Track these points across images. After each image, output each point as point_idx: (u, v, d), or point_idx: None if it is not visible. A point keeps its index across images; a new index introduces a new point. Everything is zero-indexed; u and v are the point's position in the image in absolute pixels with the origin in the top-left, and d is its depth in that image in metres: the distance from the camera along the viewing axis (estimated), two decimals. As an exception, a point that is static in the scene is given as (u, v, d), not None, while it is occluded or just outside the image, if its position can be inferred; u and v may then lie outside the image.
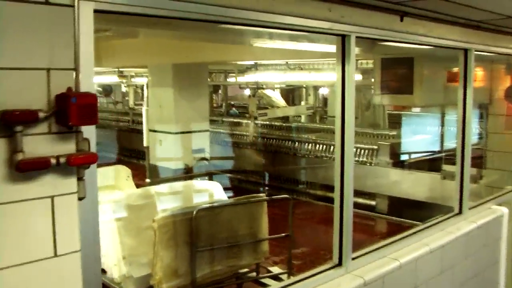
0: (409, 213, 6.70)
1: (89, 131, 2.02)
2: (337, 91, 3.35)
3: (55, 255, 1.92)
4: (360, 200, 8.16)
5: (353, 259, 3.49)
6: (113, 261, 4.60)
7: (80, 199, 2.00)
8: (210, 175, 8.78)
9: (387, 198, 8.02)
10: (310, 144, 9.49)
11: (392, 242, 3.88)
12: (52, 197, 1.89)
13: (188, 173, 8.72)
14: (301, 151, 9.63)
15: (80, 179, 1.98)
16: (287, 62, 9.24)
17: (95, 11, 2.05)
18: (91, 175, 2.08)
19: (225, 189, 6.56)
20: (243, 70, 11.04)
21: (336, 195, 3.43)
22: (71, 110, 1.79)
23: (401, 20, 3.49)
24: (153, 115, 9.24)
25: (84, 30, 1.97)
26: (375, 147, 8.31)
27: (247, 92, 13.04)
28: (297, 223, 7.04)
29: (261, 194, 5.15)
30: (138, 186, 6.60)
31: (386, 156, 8.17)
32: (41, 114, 1.79)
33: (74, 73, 1.91)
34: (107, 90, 16.55)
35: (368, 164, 8.34)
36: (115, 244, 4.59)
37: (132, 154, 12.61)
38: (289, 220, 4.75)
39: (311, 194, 9.06)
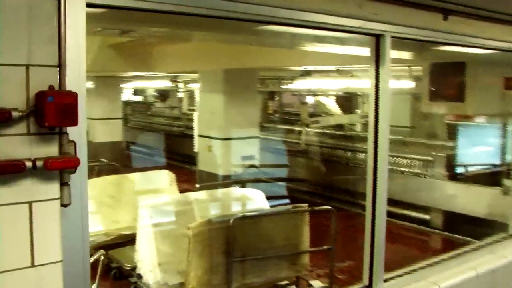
0: (466, 230, 6.32)
1: (77, 133, 1.88)
2: (370, 97, 3.07)
3: (32, 265, 1.78)
4: (413, 214, 7.88)
5: (385, 280, 3.19)
6: (148, 267, 4.54)
7: (64, 205, 1.85)
8: (243, 183, 8.59)
9: (442, 213, 7.60)
10: (363, 154, 9.13)
11: (432, 264, 3.53)
12: (30, 203, 1.76)
13: (236, 180, 8.61)
14: (354, 160, 9.30)
15: (64, 184, 1.84)
16: (338, 69, 8.94)
17: (88, 5, 1.92)
18: (81, 181, 1.95)
19: (273, 197, 6.37)
20: (296, 76, 10.84)
21: (367, 210, 3.17)
22: (46, 109, 1.65)
23: (445, 18, 3.16)
24: (203, 120, 9.23)
25: (73, 25, 1.85)
26: (430, 158, 7.87)
27: (302, 99, 12.80)
28: (347, 235, 6.78)
29: (302, 204, 4.94)
30: (186, 191, 6.54)
31: (441, 168, 7.72)
32: (16, 114, 1.66)
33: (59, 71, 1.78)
34: (163, 95, 16.77)
35: (422, 176, 7.91)
36: (151, 250, 4.53)
37: (185, 159, 12.67)
38: (331, 232, 4.52)
39: (362, 205, 8.69)
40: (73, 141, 1.85)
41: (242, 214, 4.53)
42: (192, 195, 5.07)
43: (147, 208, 4.68)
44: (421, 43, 4.18)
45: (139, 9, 2.10)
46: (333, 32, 2.92)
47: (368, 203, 3.14)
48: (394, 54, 5.12)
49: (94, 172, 7.54)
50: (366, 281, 3.15)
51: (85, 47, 1.91)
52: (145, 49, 9.05)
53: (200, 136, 9.39)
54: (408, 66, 7.09)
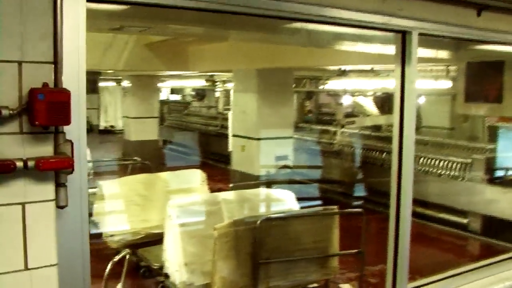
0: (506, 235, 6.01)
1: (76, 133, 1.81)
2: (395, 97, 2.91)
3: (26, 268, 1.73)
4: (451, 218, 7.67)
5: (410, 290, 3.02)
6: (175, 266, 4.51)
7: (60, 207, 1.79)
8: (276, 184, 8.47)
9: (480, 217, 7.33)
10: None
11: (462, 273, 3.32)
12: (23, 204, 1.70)
13: (268, 180, 8.53)
14: (390, 162, 9.05)
15: (60, 185, 1.78)
16: (372, 68, 8.71)
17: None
18: (80, 182, 1.88)
19: (305, 198, 6.24)
20: (331, 76, 10.66)
21: (391, 214, 2.99)
22: (36, 107, 1.59)
23: (478, 14, 2.95)
24: (237, 120, 9.20)
25: (72, 20, 1.78)
26: (469, 161, 7.57)
27: (338, 99, 12.60)
28: (380, 238, 6.60)
29: (332, 207, 4.81)
30: (220, 191, 6.51)
31: (481, 171, 7.41)
32: (5, 112, 1.60)
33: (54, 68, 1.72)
34: (200, 94, 16.81)
35: (460, 179, 7.63)
36: (177, 250, 4.50)
37: (220, 159, 12.67)
38: (362, 236, 4.38)
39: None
40: (70, 141, 1.78)
41: (269, 215, 4.43)
42: (220, 195, 5.00)
43: (175, 208, 4.63)
44: (456, 41, 3.97)
45: (145, 4, 2.02)
46: (356, 28, 2.77)
47: (392, 207, 2.97)
48: (428, 52, 4.93)
49: (127, 170, 7.61)
50: (388, 291, 2.99)
51: (85, 44, 1.84)
52: (179, 48, 9.07)
53: (234, 135, 9.34)
54: (446, 65, 6.82)
